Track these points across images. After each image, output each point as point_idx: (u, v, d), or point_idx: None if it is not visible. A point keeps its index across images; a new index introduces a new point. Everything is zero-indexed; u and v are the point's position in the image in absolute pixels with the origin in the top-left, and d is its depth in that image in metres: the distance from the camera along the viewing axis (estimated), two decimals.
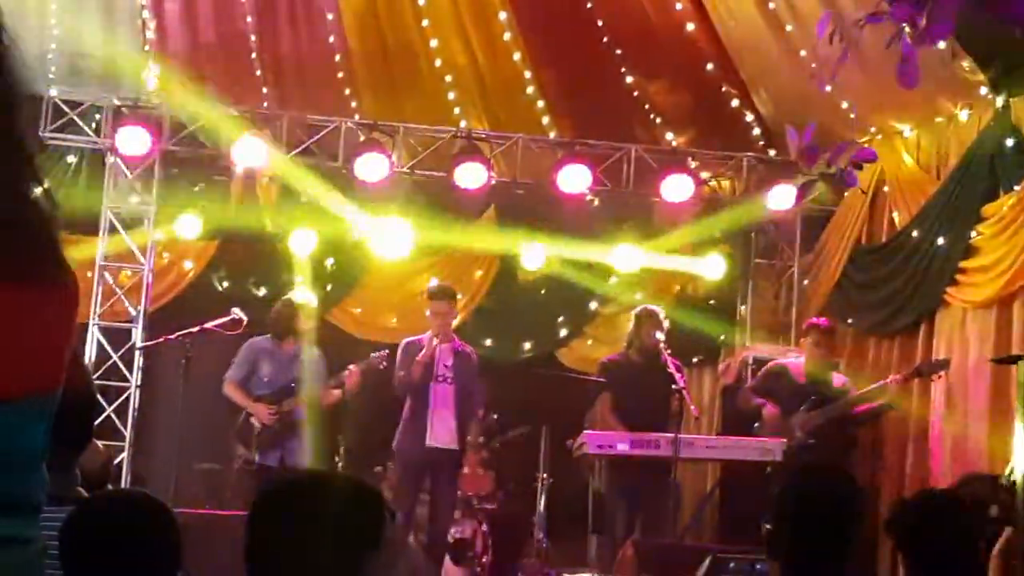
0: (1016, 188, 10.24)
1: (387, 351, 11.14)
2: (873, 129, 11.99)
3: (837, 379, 11.07)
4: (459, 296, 11.66)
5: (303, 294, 11.65)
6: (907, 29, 4.13)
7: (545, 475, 10.74)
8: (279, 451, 10.77)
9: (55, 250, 2.11)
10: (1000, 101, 10.52)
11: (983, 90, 10.59)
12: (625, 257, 12.85)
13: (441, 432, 10.68)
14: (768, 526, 4.26)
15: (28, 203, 2.04)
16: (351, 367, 10.92)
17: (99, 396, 11.41)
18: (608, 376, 10.80)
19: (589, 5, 12.18)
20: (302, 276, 13.05)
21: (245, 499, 10.30)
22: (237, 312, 10.86)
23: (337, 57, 12.67)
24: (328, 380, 11.00)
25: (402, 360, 10.77)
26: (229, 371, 11.00)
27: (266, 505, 3.05)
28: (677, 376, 10.11)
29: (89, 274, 12.53)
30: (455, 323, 11.15)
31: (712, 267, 12.99)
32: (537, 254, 12.97)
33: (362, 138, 12.45)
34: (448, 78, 12.73)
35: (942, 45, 5.45)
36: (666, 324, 10.77)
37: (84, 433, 3.65)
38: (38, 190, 2.06)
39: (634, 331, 10.82)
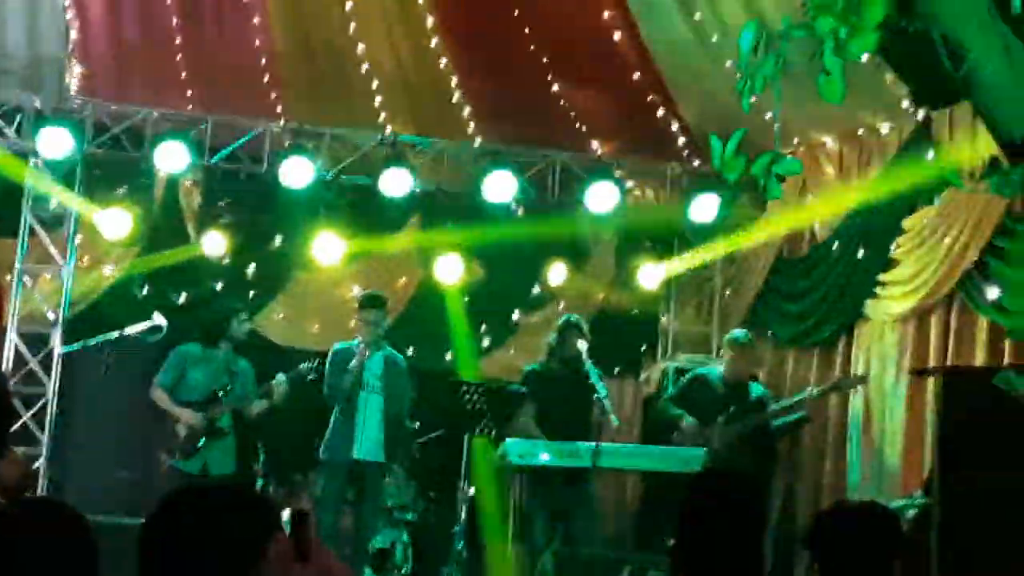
0: (935, 201, 10.34)
1: (317, 361, 11.06)
2: (796, 140, 12.08)
3: (756, 390, 11.14)
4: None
5: (232, 301, 11.55)
6: (830, 42, 4.16)
7: (466, 485, 10.73)
8: (202, 458, 10.67)
9: None
10: (921, 115, 10.63)
11: (904, 104, 10.70)
12: (553, 274, 12.94)
13: (368, 443, 10.59)
14: (671, 542, 4.25)
15: None
16: (279, 376, 10.83)
17: (16, 402, 11.29)
18: (530, 385, 10.79)
19: (516, 12, 12.18)
20: (221, 282, 13.00)
21: None
22: (158, 317, 10.76)
23: (263, 60, 12.60)
24: (256, 389, 10.90)
25: (331, 368, 10.70)
26: (157, 376, 10.85)
27: (154, 517, 3.05)
28: (598, 386, 10.12)
29: (8, 277, 12.39)
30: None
31: (648, 277, 13.04)
32: (455, 267, 12.97)
33: (287, 142, 12.38)
34: (375, 83, 12.69)
35: (865, 58, 5.48)
36: (587, 335, 10.77)
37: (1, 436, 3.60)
38: None
39: (556, 341, 10.81)
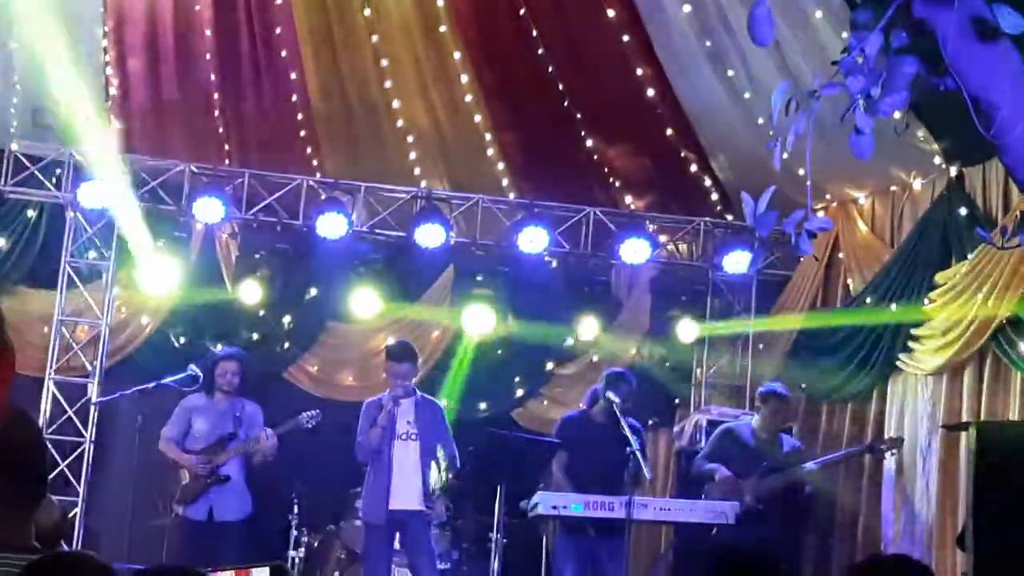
0: (969, 256, 10.36)
1: (317, 411, 11.08)
2: (829, 196, 12.14)
3: (788, 443, 11.13)
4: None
5: (229, 348, 11.58)
6: (861, 100, 4.23)
7: (499, 535, 10.74)
8: (207, 504, 10.66)
9: None
10: (953, 171, 10.67)
11: (937, 159, 10.75)
12: (584, 328, 13.00)
13: (404, 493, 10.36)
14: None
15: None
16: (267, 430, 10.84)
17: (52, 450, 11.37)
18: (565, 433, 10.80)
19: (550, 69, 12.29)
20: (256, 333, 13.10)
21: (175, 554, 10.28)
22: (193, 368, 10.83)
23: (299, 116, 12.74)
24: (263, 434, 10.85)
25: (363, 423, 10.58)
26: (164, 428, 10.88)
27: None
28: (632, 438, 10.14)
29: (46, 328, 12.52)
30: (415, 381, 10.98)
31: (685, 331, 13.08)
32: (487, 320, 13.04)
33: (323, 196, 12.50)
34: (410, 139, 12.81)
35: (897, 115, 5.54)
36: (633, 392, 10.78)
37: (39, 486, 3.66)
38: None
39: (598, 391, 10.83)
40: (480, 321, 13.10)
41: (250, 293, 12.77)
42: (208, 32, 12.34)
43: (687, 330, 13.05)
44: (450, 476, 10.77)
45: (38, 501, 3.76)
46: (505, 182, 13.19)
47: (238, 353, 11.29)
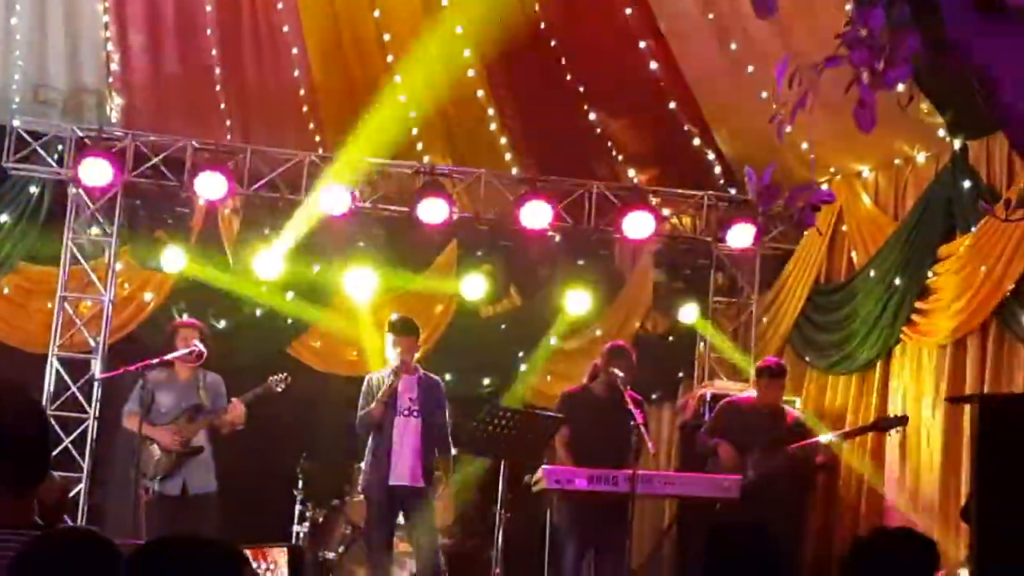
0: (972, 229, 10.35)
1: (286, 374, 11.04)
2: (832, 170, 12.12)
3: (791, 414, 11.10)
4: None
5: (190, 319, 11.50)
6: (865, 73, 4.20)
7: (502, 510, 10.75)
8: (180, 479, 10.56)
9: None
10: (957, 144, 10.65)
11: (941, 132, 10.72)
12: (579, 303, 12.96)
13: (404, 469, 10.38)
14: None
15: None
16: (233, 400, 10.77)
17: (56, 426, 11.37)
18: (567, 408, 10.79)
19: (553, 43, 12.26)
20: (260, 308, 13.10)
21: (155, 531, 10.07)
22: (197, 344, 10.79)
23: (301, 91, 12.71)
24: (230, 404, 10.77)
25: (364, 397, 10.61)
26: (127, 405, 10.79)
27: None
28: (636, 412, 10.13)
29: (49, 304, 12.52)
30: (417, 356, 10.99)
31: (686, 314, 13.06)
32: (480, 286, 13.02)
33: (325, 171, 12.48)
34: (412, 114, 12.78)
35: (900, 88, 5.51)
36: (634, 365, 10.77)
37: (42, 465, 3.66)
38: None
39: (602, 364, 10.81)
40: (476, 288, 13.05)
41: (267, 264, 12.70)
42: (209, 7, 12.30)
43: (688, 312, 13.02)
44: (450, 455, 10.84)
45: (40, 479, 3.76)
46: (508, 157, 13.16)
47: (198, 323, 11.23)
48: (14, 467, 3.47)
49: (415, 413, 10.49)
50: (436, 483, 10.91)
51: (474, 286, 12.99)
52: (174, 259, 12.35)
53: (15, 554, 3.42)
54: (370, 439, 10.56)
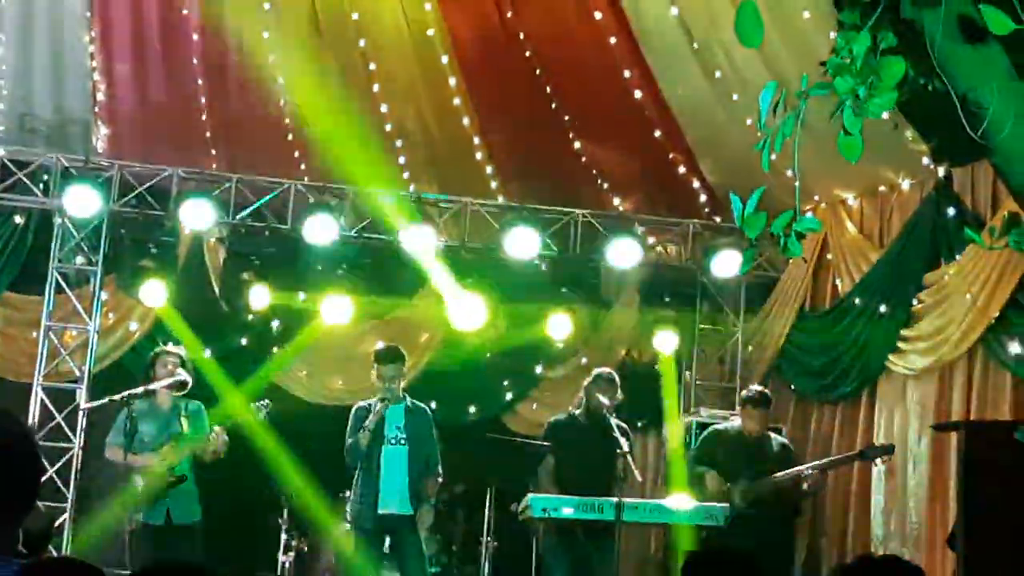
0: (957, 257, 10.37)
1: (267, 400, 11.02)
2: (817, 197, 12.15)
3: (777, 442, 11.10)
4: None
5: (171, 345, 11.46)
6: (850, 101, 4.22)
7: (489, 538, 10.72)
8: (163, 508, 10.44)
9: None
10: (942, 171, 10.68)
11: (925, 160, 10.76)
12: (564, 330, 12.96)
13: (392, 497, 10.44)
14: None
15: None
16: (216, 428, 10.71)
17: (43, 458, 11.31)
18: (554, 436, 10.80)
19: (538, 71, 12.28)
20: (246, 337, 13.08)
21: (136, 560, 10.03)
22: (182, 373, 10.76)
23: (287, 120, 12.71)
24: (210, 432, 10.68)
25: (352, 426, 10.59)
26: (109, 436, 10.70)
27: None
28: (622, 440, 10.12)
29: (34, 334, 12.49)
30: (403, 384, 10.97)
31: (664, 343, 13.05)
32: (479, 314, 12.98)
33: (311, 200, 12.48)
34: (398, 143, 12.78)
35: (885, 116, 5.53)
36: (619, 391, 10.77)
37: (31, 493, 3.64)
38: None
39: (586, 393, 10.82)
40: (473, 322, 13.04)
41: (259, 296, 12.71)
42: (195, 36, 12.31)
43: (666, 341, 13.02)
44: (438, 483, 10.81)
45: (30, 508, 3.73)
46: (493, 185, 13.18)
47: (177, 352, 11.19)
48: (3, 495, 3.45)
49: (402, 441, 10.50)
50: (425, 511, 10.86)
51: (466, 310, 12.99)
52: (155, 294, 12.34)
53: None
54: (358, 468, 10.55)
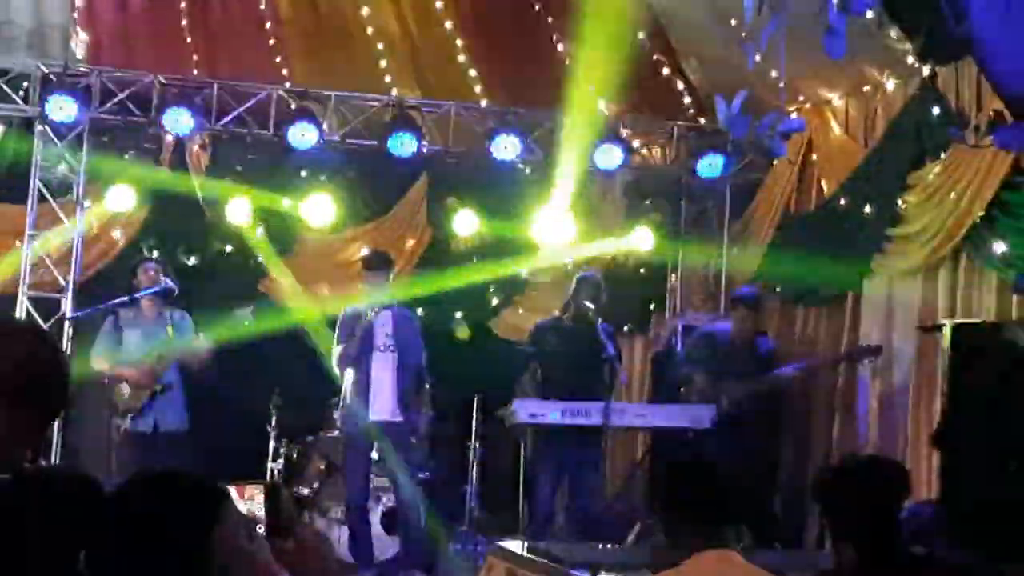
0: (942, 156, 10.34)
1: (253, 305, 11.02)
2: (802, 98, 12.08)
3: (764, 344, 11.14)
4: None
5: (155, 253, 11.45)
6: None
7: (477, 444, 10.77)
8: (151, 417, 10.54)
9: None
10: (927, 70, 10.62)
11: (910, 59, 10.69)
12: (553, 230, 12.89)
13: (383, 404, 10.48)
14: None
15: None
16: (200, 334, 10.71)
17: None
18: (539, 340, 10.81)
19: None
20: (230, 244, 13.05)
21: (123, 469, 10.08)
22: (167, 281, 10.75)
23: (268, 24, 12.60)
24: (195, 338, 10.73)
25: (340, 332, 10.61)
26: (95, 347, 10.75)
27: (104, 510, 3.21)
28: (608, 344, 10.14)
29: (18, 244, 12.43)
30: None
31: (641, 240, 13.02)
32: (469, 221, 12.98)
33: (293, 106, 12.38)
34: (380, 46, 12.68)
35: (869, 15, 5.50)
36: (604, 294, 10.79)
37: (52, 414, 3.60)
38: None
39: (572, 296, 10.83)
40: (463, 227, 13.05)
41: (239, 209, 12.67)
42: None
43: (647, 239, 13.00)
44: (426, 390, 10.85)
45: (46, 428, 3.71)
46: (477, 89, 13.09)
47: (160, 259, 11.18)
48: (27, 416, 3.41)
49: (391, 348, 10.51)
50: (414, 417, 10.90)
51: (463, 222, 13.01)
52: (121, 198, 12.29)
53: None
54: (348, 374, 10.57)
